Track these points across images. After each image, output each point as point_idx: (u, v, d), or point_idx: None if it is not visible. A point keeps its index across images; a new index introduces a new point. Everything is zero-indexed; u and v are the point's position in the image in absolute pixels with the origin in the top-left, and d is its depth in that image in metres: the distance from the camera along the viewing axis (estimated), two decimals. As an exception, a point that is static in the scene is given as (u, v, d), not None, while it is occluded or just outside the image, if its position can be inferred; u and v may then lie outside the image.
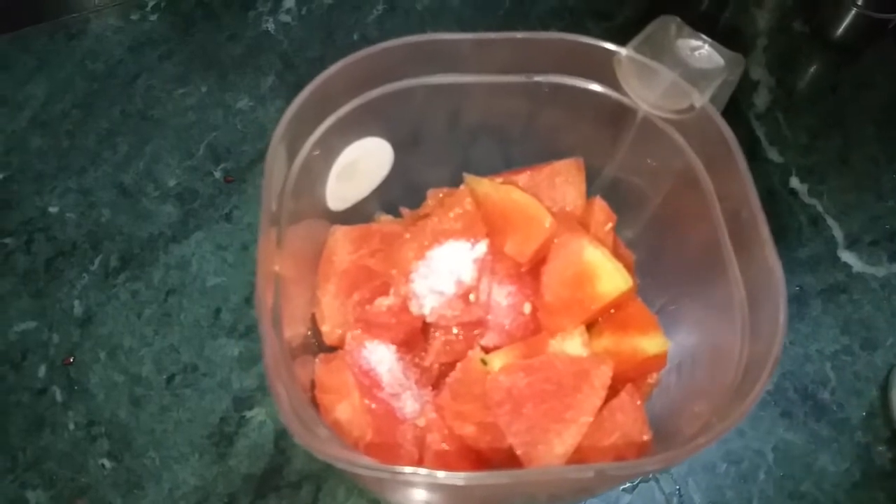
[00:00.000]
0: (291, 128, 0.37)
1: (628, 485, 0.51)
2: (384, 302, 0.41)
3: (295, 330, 0.38)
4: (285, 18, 0.71)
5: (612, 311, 0.42)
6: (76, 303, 0.56)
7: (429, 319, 0.40)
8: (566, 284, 0.40)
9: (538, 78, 0.41)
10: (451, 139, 0.45)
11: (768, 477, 0.51)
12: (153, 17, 0.71)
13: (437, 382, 0.41)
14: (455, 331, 0.41)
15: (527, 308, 0.42)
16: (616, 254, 0.42)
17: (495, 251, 0.41)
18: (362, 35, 0.70)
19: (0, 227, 0.59)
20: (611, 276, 0.40)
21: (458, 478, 0.28)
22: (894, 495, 0.50)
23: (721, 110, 0.38)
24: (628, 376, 0.40)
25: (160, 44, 0.69)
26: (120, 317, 0.56)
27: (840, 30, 0.67)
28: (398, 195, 0.47)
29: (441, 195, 0.46)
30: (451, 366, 0.40)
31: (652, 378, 0.42)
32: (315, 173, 0.41)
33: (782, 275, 0.34)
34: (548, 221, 0.40)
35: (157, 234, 0.59)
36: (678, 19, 0.40)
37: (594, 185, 0.46)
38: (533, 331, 0.41)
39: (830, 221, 0.61)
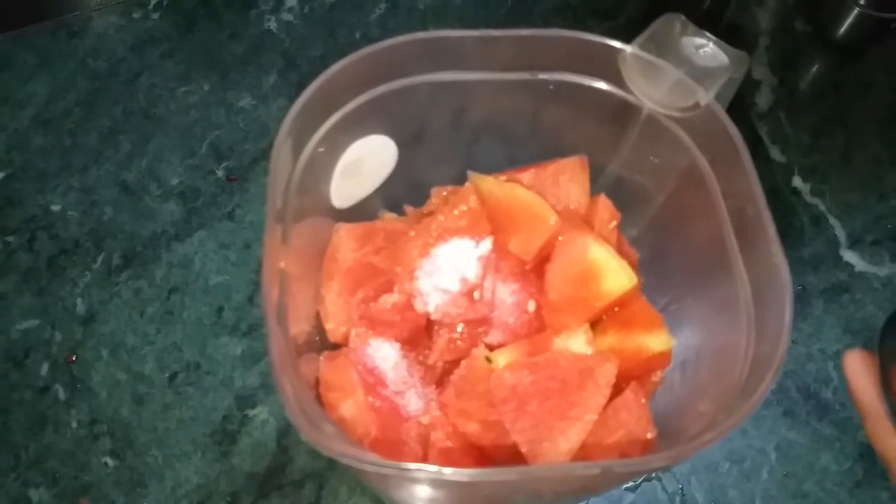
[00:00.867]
0: (297, 124, 0.36)
1: (631, 484, 0.51)
2: (388, 299, 0.41)
3: (299, 327, 0.38)
4: (287, 17, 0.71)
5: (617, 309, 0.42)
6: (79, 301, 0.56)
7: (433, 317, 0.40)
8: (570, 282, 0.40)
9: (542, 75, 0.41)
10: (455, 137, 0.45)
11: (771, 476, 0.51)
12: (155, 16, 0.71)
13: (441, 380, 0.41)
14: (459, 328, 0.41)
15: (531, 306, 0.42)
16: (620, 252, 0.42)
17: (499, 249, 0.41)
18: (364, 34, 0.70)
19: (3, 225, 0.59)
20: (615, 274, 0.40)
21: (464, 474, 0.28)
22: (897, 494, 0.50)
23: (726, 108, 0.38)
24: (633, 374, 0.40)
25: (162, 42, 0.69)
26: (122, 315, 0.56)
27: (842, 29, 0.67)
28: (402, 193, 0.47)
29: (445, 193, 0.46)
30: (455, 364, 0.40)
31: (656, 376, 0.42)
32: (320, 170, 0.41)
33: (789, 272, 0.34)
34: (552, 219, 0.40)
35: (160, 232, 0.59)
36: (683, 17, 0.40)
37: (598, 183, 0.46)
38: (537, 329, 0.41)
39: (833, 221, 0.61)
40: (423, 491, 0.34)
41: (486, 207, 0.42)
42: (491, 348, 0.40)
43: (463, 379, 0.39)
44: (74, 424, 0.52)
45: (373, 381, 0.39)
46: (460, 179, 0.44)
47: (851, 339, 0.56)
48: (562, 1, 0.72)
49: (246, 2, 0.72)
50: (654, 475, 0.51)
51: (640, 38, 0.39)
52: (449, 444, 0.38)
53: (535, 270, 0.42)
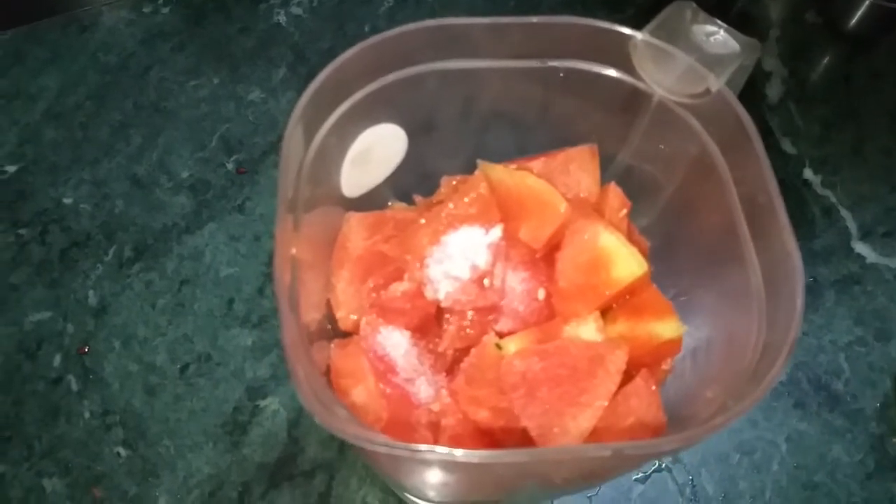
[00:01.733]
0: (307, 113, 0.37)
1: (641, 475, 0.51)
2: (399, 287, 0.41)
3: (310, 315, 0.38)
4: (297, 10, 0.71)
5: (627, 296, 0.42)
6: (91, 293, 0.57)
7: (443, 304, 0.40)
8: (581, 270, 0.40)
9: (553, 63, 0.41)
10: (464, 126, 0.45)
11: (781, 468, 0.51)
12: (165, 10, 0.72)
13: (451, 368, 0.41)
14: (469, 316, 0.41)
15: (541, 294, 0.41)
16: (631, 240, 0.42)
17: (509, 237, 0.41)
18: (373, 26, 0.70)
19: (15, 218, 0.60)
20: (626, 262, 0.39)
21: (475, 455, 0.28)
22: (910, 485, 0.50)
23: (737, 95, 0.38)
24: (643, 361, 0.40)
25: (172, 36, 0.70)
26: (134, 307, 0.56)
27: (854, 20, 0.67)
28: (412, 183, 0.47)
29: (455, 182, 0.46)
30: (465, 351, 0.40)
31: (667, 364, 0.42)
32: (330, 159, 0.41)
33: (800, 260, 0.33)
34: (563, 207, 0.40)
35: (171, 225, 0.60)
36: (693, 4, 0.39)
37: (608, 171, 0.46)
38: (547, 316, 0.41)
39: (844, 212, 0.61)
40: (433, 476, 0.34)
41: (495, 196, 0.42)
42: (501, 336, 0.40)
43: (473, 366, 0.39)
44: (87, 415, 0.52)
45: (383, 369, 0.39)
46: (470, 169, 0.44)
47: (863, 330, 0.56)
48: (570, -7, 0.72)
49: (255, -4, 0.72)
50: (664, 466, 0.51)
51: (651, 25, 0.39)
52: (459, 430, 0.38)
53: (545, 258, 0.42)
